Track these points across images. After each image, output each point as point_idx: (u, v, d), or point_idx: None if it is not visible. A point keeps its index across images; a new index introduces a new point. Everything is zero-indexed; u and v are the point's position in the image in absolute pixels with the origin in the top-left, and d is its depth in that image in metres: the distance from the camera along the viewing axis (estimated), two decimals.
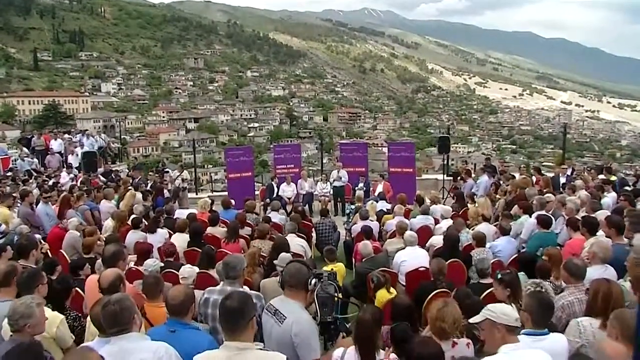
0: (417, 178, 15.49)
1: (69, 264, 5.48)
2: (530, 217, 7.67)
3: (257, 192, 15.28)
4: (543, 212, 7.18)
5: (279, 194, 13.60)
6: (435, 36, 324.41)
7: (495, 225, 8.28)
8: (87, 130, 19.93)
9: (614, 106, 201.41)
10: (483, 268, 5.40)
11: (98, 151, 16.60)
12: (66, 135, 18.77)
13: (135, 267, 5.98)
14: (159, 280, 3.90)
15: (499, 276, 4.13)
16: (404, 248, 7.08)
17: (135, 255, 6.55)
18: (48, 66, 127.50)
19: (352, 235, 8.52)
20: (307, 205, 13.65)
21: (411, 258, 6.41)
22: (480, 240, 6.82)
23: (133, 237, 7.41)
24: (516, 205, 8.61)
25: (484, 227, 7.97)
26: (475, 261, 6.75)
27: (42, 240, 6.93)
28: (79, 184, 12.00)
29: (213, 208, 10.08)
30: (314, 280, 3.13)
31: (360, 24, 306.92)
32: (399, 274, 6.34)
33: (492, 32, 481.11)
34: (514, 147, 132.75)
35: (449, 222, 8.54)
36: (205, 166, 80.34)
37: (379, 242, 7.80)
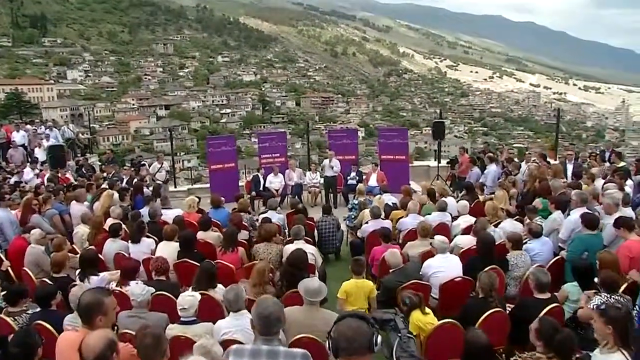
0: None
1: (35, 295, 4.36)
2: (564, 213, 6.90)
3: (241, 184, 14.35)
4: (585, 209, 6.34)
5: (266, 185, 12.72)
6: (406, 19, 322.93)
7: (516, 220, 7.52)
8: (51, 121, 18.35)
9: (579, 88, 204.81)
10: (544, 282, 4.55)
11: (66, 143, 15.21)
12: (28, 126, 17.20)
13: (119, 289, 4.93)
14: (159, 341, 2.82)
15: (603, 307, 3.19)
16: (428, 252, 6.24)
17: (118, 272, 5.50)
18: (8, 52, 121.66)
19: (362, 236, 7.56)
20: (296, 197, 12.80)
21: (444, 267, 5.52)
22: (517, 242, 6.00)
23: (112, 247, 6.32)
24: (538, 199, 7.82)
25: (510, 225, 7.16)
26: (513, 266, 5.93)
27: (1, 257, 5.79)
28: (45, 181, 10.71)
29: (199, 206, 8.96)
30: (379, 338, 2.18)
31: (331, 7, 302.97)
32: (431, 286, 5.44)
33: (462, 16, 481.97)
34: (485, 129, 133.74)
35: (468, 218, 7.69)
36: (178, 154, 78.52)
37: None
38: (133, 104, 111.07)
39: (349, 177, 12.88)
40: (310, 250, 5.88)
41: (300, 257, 4.91)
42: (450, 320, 4.31)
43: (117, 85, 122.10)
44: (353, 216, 8.91)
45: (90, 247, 6.27)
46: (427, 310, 4.44)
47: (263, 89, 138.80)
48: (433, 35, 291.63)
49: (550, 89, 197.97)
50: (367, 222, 7.46)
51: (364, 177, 12.97)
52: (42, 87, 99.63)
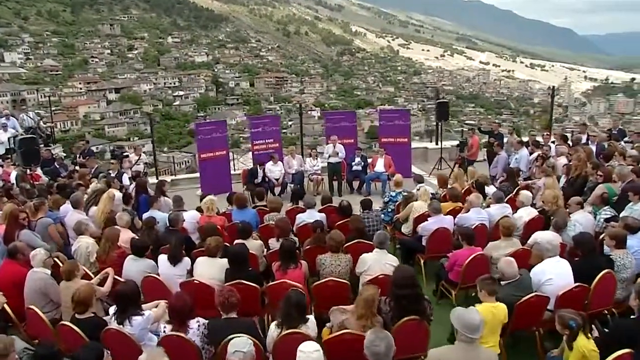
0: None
1: None
2: None
3: (234, 172, 13.15)
4: None
5: (266, 174, 11.58)
6: None
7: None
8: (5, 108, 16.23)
9: (526, 66, 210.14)
10: None
11: (26, 133, 13.33)
12: None
13: (176, 334, 3.71)
14: None
15: None
16: (514, 254, 5.31)
17: (159, 304, 4.27)
18: None
19: (421, 234, 6.50)
20: (298, 186, 11.66)
21: (557, 274, 4.61)
22: (622, 241, 5.16)
23: (134, 268, 5.02)
24: (602, 185, 7.02)
25: (583, 217, 6.34)
26: (619, 267, 5.03)
27: None
28: (13, 180, 9.09)
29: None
30: None
31: None
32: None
33: None
34: None
35: (529, 210, 6.82)
36: (131, 139, 75.49)
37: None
38: (80, 88, 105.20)
39: (353, 163, 12.01)
40: (394, 262, 4.82)
41: (409, 275, 3.89)
42: (627, 350, 3.39)
43: (61, 69, 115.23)
44: (390, 210, 7.91)
45: (106, 269, 4.93)
46: (589, 335, 3.55)
47: (216, 70, 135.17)
48: (385, 14, 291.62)
49: (499, 66, 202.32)
50: (427, 219, 6.42)
51: (370, 162, 12.05)
52: None
